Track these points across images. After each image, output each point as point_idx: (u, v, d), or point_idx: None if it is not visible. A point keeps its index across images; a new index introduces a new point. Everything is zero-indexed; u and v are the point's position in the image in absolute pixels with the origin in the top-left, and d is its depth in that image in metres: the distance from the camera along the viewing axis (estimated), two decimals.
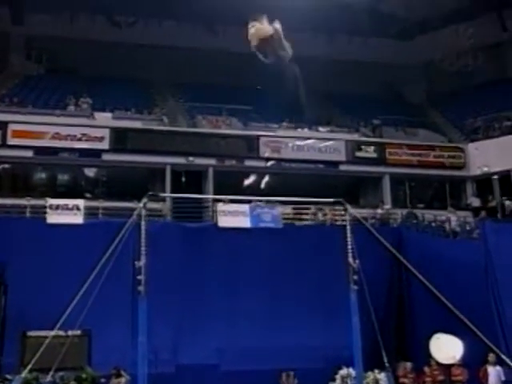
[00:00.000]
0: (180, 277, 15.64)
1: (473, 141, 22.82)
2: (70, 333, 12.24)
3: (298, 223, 18.32)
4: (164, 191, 19.01)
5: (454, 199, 22.78)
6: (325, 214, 18.59)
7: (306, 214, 18.83)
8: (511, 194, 21.04)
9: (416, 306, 16.54)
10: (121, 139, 19.72)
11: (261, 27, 6.17)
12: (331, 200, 12.83)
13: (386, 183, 21.94)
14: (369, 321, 11.68)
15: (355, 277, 11.44)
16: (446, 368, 14.36)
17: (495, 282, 15.17)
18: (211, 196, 19.08)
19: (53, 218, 15.81)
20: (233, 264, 15.99)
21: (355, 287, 11.49)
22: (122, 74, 23.83)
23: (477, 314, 12.66)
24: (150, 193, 12.87)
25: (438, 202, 22.78)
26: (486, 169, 21.88)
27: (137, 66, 24.38)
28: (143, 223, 10.36)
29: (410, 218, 19.49)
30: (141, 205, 10.08)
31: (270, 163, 20.97)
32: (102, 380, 13.95)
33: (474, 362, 13.86)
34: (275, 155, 20.89)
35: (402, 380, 14.92)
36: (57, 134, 19.11)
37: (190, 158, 20.09)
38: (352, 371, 13.91)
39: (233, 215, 17.06)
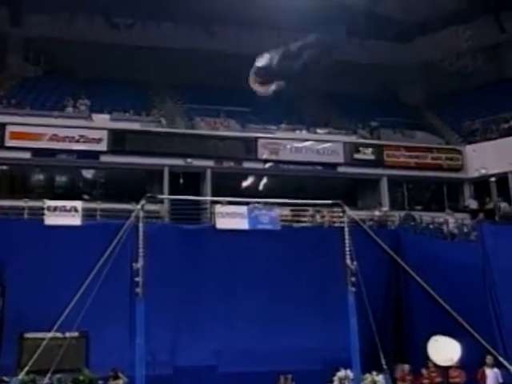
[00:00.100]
0: (178, 278, 15.64)
1: (470, 143, 22.86)
2: (67, 334, 12.24)
3: (296, 225, 18.33)
4: (162, 193, 19.00)
5: (451, 201, 22.82)
6: (323, 216, 18.61)
7: (304, 215, 18.84)
8: (509, 196, 21.09)
9: (414, 307, 16.56)
10: (119, 141, 19.71)
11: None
12: (329, 202, 12.84)
13: (384, 185, 21.97)
14: (367, 323, 11.69)
15: (353, 279, 11.45)
16: (444, 370, 14.37)
17: (493, 284, 15.20)
18: (209, 198, 19.08)
19: (51, 220, 15.80)
20: (231, 266, 15.99)
21: (353, 289, 11.50)
22: (120, 76, 23.83)
23: (474, 316, 12.68)
24: (148, 194, 12.87)
25: (436, 204, 22.83)
26: (483, 171, 21.91)
27: (135, 67, 24.38)
28: (141, 225, 10.36)
29: (407, 220, 19.52)
30: (139, 206, 10.07)
31: (268, 165, 20.98)
32: (100, 382, 13.94)
33: (471, 364, 13.88)
34: (273, 157, 20.90)
35: (399, 382, 14.93)
36: (55, 135, 19.11)
37: (188, 160, 20.09)
38: (350, 373, 13.91)
39: (231, 217, 17.07)
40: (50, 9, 23.61)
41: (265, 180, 21.59)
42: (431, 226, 18.80)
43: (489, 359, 13.61)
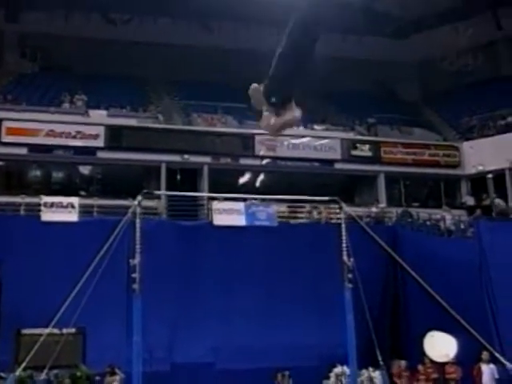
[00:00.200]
0: (175, 275, 15.66)
1: (468, 139, 22.89)
2: (64, 331, 12.26)
3: (292, 221, 18.35)
4: (159, 189, 18.99)
5: (448, 198, 22.87)
6: (320, 213, 18.63)
7: (301, 212, 18.86)
8: (505, 193, 21.13)
9: (410, 304, 16.60)
10: (116, 137, 19.70)
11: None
12: (326, 198, 12.86)
13: (381, 182, 21.99)
14: (363, 319, 11.73)
15: (350, 275, 11.48)
16: (440, 366, 14.43)
17: (489, 281, 15.24)
18: (206, 194, 19.09)
19: (47, 216, 15.80)
20: (228, 262, 16.01)
21: (350, 285, 11.53)
22: (116, 72, 23.79)
23: (471, 312, 12.74)
24: (145, 191, 12.89)
25: (433, 200, 22.86)
26: (480, 167, 21.93)
27: (132, 63, 24.35)
28: (138, 221, 10.36)
29: (404, 216, 19.56)
30: (136, 202, 10.08)
31: (265, 161, 20.98)
32: (97, 378, 13.96)
33: (467, 360, 13.93)
34: (270, 153, 20.90)
35: (396, 378, 14.98)
36: (51, 131, 19.09)
37: (185, 156, 20.09)
38: (346, 369, 13.96)
39: (228, 213, 17.09)
40: (47, 5, 23.55)
41: (262, 176, 21.60)
42: (428, 223, 18.84)
43: (485, 355, 13.66)
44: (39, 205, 16.06)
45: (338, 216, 13.45)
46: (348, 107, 24.79)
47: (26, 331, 13.62)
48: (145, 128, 20.46)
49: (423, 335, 14.35)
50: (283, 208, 18.48)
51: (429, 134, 23.83)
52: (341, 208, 12.45)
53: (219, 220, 16.87)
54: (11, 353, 13.47)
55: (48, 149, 19.03)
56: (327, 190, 14.80)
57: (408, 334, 16.55)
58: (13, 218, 15.92)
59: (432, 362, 14.54)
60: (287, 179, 20.69)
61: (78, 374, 13.70)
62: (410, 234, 17.87)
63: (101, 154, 19.54)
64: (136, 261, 8.50)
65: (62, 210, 16.02)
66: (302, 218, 18.76)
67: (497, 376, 13.86)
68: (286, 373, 15.54)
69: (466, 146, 22.61)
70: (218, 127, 21.51)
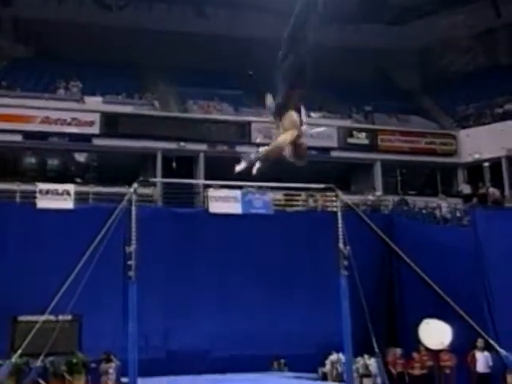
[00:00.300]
0: (171, 262, 15.70)
1: (464, 128, 22.91)
2: (60, 318, 12.29)
3: (289, 209, 18.39)
4: (155, 177, 18.99)
5: (445, 186, 22.93)
6: (316, 200, 18.67)
7: (297, 200, 18.89)
8: (502, 181, 21.19)
9: (406, 292, 16.70)
10: (111, 124, 19.66)
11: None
12: (322, 186, 12.87)
13: (378, 170, 22.02)
14: (359, 307, 11.77)
15: (346, 263, 11.51)
16: (435, 354, 14.54)
17: (485, 269, 15.33)
18: (202, 181, 19.10)
19: (43, 203, 15.79)
20: (224, 250, 16.06)
21: (346, 273, 11.56)
22: (112, 58, 23.68)
23: (466, 300, 12.81)
24: (141, 178, 12.88)
25: (429, 188, 22.93)
26: (477, 156, 22.00)
27: (128, 49, 24.22)
28: (134, 208, 10.34)
29: (401, 204, 19.62)
30: (131, 190, 10.06)
31: (261, 149, 20.95)
32: (93, 365, 14.04)
33: (462, 347, 14.05)
34: (267, 141, 20.82)
35: (391, 366, 15.10)
36: (46, 118, 19.03)
37: (181, 144, 20.07)
38: (342, 357, 14.05)
39: (224, 201, 17.11)
40: None
41: (258, 164, 21.55)
42: (424, 211, 18.90)
43: (480, 343, 13.78)
44: (34, 192, 16.05)
45: (334, 204, 13.48)
46: (345, 95, 24.74)
47: (21, 318, 13.67)
48: (141, 115, 20.42)
49: (418, 323, 14.45)
50: (279, 196, 18.51)
51: (425, 122, 23.84)
52: (337, 196, 12.46)
53: (215, 207, 16.90)
54: (7, 340, 13.53)
55: (43, 136, 18.98)
56: (323, 178, 14.77)
57: (403, 321, 16.67)
58: (8, 206, 15.91)
59: (427, 349, 14.65)
60: (283, 167, 20.64)
61: (74, 360, 13.77)
62: (406, 222, 17.94)
63: (96, 141, 19.51)
64: (132, 248, 8.51)
65: (57, 198, 16.01)
66: (298, 205, 18.79)
67: (491, 363, 14.00)
68: (282, 361, 15.67)
69: (462, 134, 22.64)
70: (215, 114, 21.48)
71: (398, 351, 15.47)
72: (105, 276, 13.41)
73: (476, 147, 21.97)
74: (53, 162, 21.26)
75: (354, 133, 21.98)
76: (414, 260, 12.40)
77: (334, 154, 21.64)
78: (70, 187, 16.46)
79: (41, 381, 13.29)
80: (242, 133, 20.78)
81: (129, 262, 9.10)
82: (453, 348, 14.20)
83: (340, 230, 11.67)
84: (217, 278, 15.90)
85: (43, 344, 11.14)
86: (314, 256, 16.05)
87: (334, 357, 15.22)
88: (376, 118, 23.40)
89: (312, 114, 22.97)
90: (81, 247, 11.25)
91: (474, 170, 22.45)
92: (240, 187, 17.20)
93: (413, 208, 19.26)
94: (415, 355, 14.97)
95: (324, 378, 15.20)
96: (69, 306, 10.75)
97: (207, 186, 17.56)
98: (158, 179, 18.66)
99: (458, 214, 18.19)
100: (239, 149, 20.74)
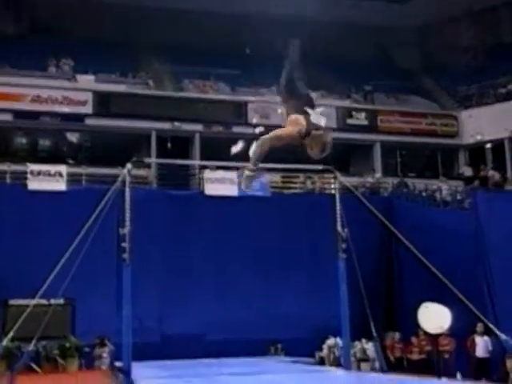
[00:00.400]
0: (166, 245, 15.72)
1: (466, 108, 22.83)
2: (52, 301, 12.32)
3: (286, 191, 18.38)
4: (149, 158, 18.94)
5: (445, 168, 22.92)
6: (314, 182, 18.66)
7: (295, 182, 18.87)
8: (504, 164, 21.17)
9: (405, 275, 16.77)
10: (104, 103, 19.55)
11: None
12: (320, 167, 12.86)
13: (377, 151, 22.00)
14: (357, 290, 11.82)
15: (344, 246, 11.53)
16: (434, 338, 14.62)
17: (485, 252, 15.38)
18: (197, 162, 19.07)
19: (34, 185, 15.75)
20: (220, 232, 16.07)
21: (344, 256, 11.59)
22: (105, 36, 23.44)
23: (466, 283, 12.87)
24: (135, 158, 12.83)
25: (430, 170, 22.92)
26: (479, 137, 21.96)
27: (121, 27, 23.96)
28: (127, 189, 10.31)
29: (400, 186, 19.62)
30: (125, 171, 10.02)
31: (258, 129, 20.89)
32: (86, 349, 14.12)
33: (461, 332, 14.13)
34: (264, 121, 20.81)
35: (389, 350, 15.20)
36: (37, 96, 18.89)
37: (176, 124, 19.99)
38: (339, 341, 14.13)
39: (220, 183, 17.09)
40: None
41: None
42: (424, 194, 18.92)
43: (479, 327, 13.87)
44: (25, 173, 15.98)
45: (333, 186, 13.48)
46: (344, 74, 24.58)
47: (12, 302, 13.70)
48: (134, 94, 20.30)
49: (417, 307, 14.51)
50: (277, 178, 18.48)
51: (426, 103, 23.77)
52: (335, 178, 12.45)
53: (211, 189, 16.88)
54: None
55: (34, 115, 18.86)
56: (322, 160, 14.75)
57: (402, 305, 16.74)
58: None
59: (426, 334, 14.73)
60: (280, 147, 20.60)
61: (67, 345, 13.85)
62: (405, 204, 17.96)
63: (89, 121, 19.42)
64: (126, 230, 8.50)
65: (49, 179, 15.96)
66: (295, 188, 18.78)
67: (490, 348, 14.10)
68: (279, 346, 15.76)
69: (464, 114, 22.58)
70: (210, 94, 21.38)
71: (397, 335, 15.57)
72: (98, 259, 13.43)
73: (478, 128, 21.92)
74: (44, 143, 21.15)
75: (354, 113, 21.91)
76: (413, 243, 12.43)
77: (333, 135, 21.52)
78: (62, 168, 16.41)
79: (33, 365, 13.37)
80: (239, 113, 20.71)
81: (123, 245, 9.10)
82: (452, 332, 14.27)
83: (338, 212, 11.68)
84: (213, 262, 15.92)
85: (35, 328, 11.17)
86: (311, 239, 16.08)
87: (331, 341, 15.30)
88: (376, 98, 23.32)
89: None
90: (73, 230, 11.23)
91: (476, 152, 22.43)
92: (236, 168, 17.17)
93: (413, 190, 19.28)
94: (414, 340, 15.06)
95: (321, 362, 15.30)
96: (61, 289, 10.76)
97: (203, 168, 17.52)
98: (153, 159, 18.62)
99: (458, 197, 18.22)
100: (236, 129, 20.70)
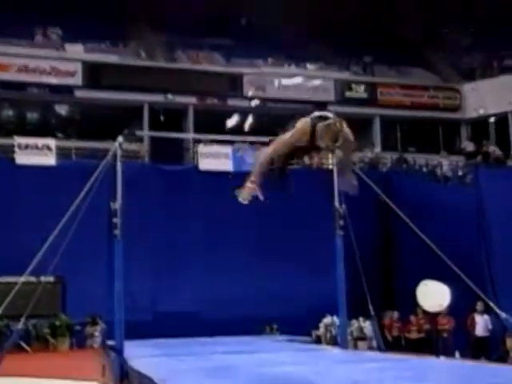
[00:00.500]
0: (158, 222, 15.74)
1: (470, 80, 22.70)
2: (42, 279, 12.35)
3: None
4: (141, 131, 18.89)
5: (447, 143, 22.90)
6: (311, 157, 18.62)
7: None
8: (508, 138, 21.15)
9: (404, 252, 16.85)
10: (94, 74, 19.42)
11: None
12: None
13: (377, 125, 21.97)
14: (355, 268, 11.89)
15: (341, 222, 11.57)
16: (433, 317, 14.76)
17: (486, 230, 15.47)
18: (191, 135, 19.02)
19: (22, 159, 15.71)
20: (214, 209, 16.07)
21: (341, 233, 11.63)
22: (94, 3, 23.15)
23: (466, 261, 12.92)
24: (127, 131, 12.78)
25: (431, 145, 22.90)
26: (482, 111, 21.88)
27: None
28: (119, 164, 10.29)
29: (400, 162, 19.64)
30: (116, 144, 9.98)
31: (254, 103, 20.83)
32: (77, 328, 14.21)
33: (461, 310, 14.26)
34: (260, 94, 20.74)
35: (387, 329, 15.36)
36: (24, 66, 18.73)
37: (169, 96, 19.89)
38: (336, 319, 14.25)
39: (214, 157, 17.06)
40: None
41: (250, 120, 21.47)
42: (424, 169, 18.95)
43: (479, 305, 14.00)
44: (13, 146, 15.92)
45: (331, 161, 13.47)
46: (343, 44, 24.38)
47: (0, 279, 13.73)
48: (126, 65, 20.16)
49: (416, 285, 14.62)
50: None
51: (428, 75, 23.66)
52: (333, 152, 12.42)
53: (205, 164, 16.87)
54: None
55: (21, 86, 18.72)
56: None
57: (401, 283, 16.85)
58: None
59: (425, 312, 14.86)
60: (277, 122, 20.54)
61: (58, 323, 13.92)
62: (405, 180, 17.98)
63: (78, 93, 19.31)
64: (117, 205, 8.49)
65: (37, 153, 15.91)
66: (292, 163, 18.74)
67: (490, 327, 14.26)
68: (274, 326, 15.89)
69: (467, 87, 22.47)
70: (204, 65, 21.24)
71: (395, 314, 15.71)
72: (89, 235, 13.46)
73: (481, 102, 21.84)
74: (32, 115, 21.02)
75: (353, 86, 21.84)
76: (412, 220, 12.47)
77: (331, 108, 21.44)
78: (51, 142, 16.35)
79: (23, 344, 13.46)
80: (234, 85, 20.61)
81: (114, 220, 9.10)
82: (451, 311, 14.41)
83: (336, 188, 11.69)
84: (207, 239, 15.97)
85: (24, 306, 11.21)
86: (308, 215, 16.11)
87: (328, 319, 15.42)
88: (376, 70, 23.21)
89: (308, 66, 22.77)
90: (63, 205, 11.21)
91: (479, 127, 22.39)
92: (231, 143, 17.14)
93: (413, 166, 19.32)
94: (412, 319, 15.20)
95: (318, 341, 15.43)
96: (51, 266, 10.79)
97: (197, 142, 17.48)
98: (145, 132, 18.57)
99: (459, 173, 18.26)
100: (231, 102, 20.62)
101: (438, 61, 25.21)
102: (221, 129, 20.17)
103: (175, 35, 22.72)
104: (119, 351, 10.35)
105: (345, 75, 22.48)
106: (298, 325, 15.28)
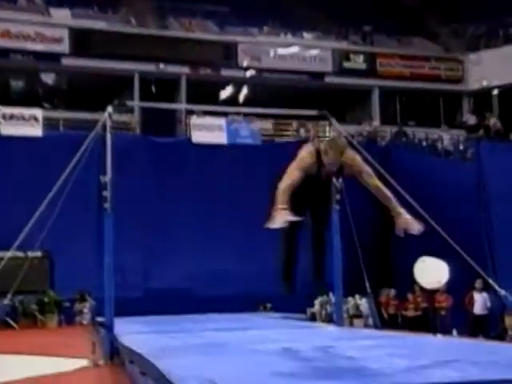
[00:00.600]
0: (150, 196, 15.77)
1: (473, 51, 22.55)
2: (29, 254, 12.39)
3: (278, 139, 18.35)
4: (132, 101, 18.79)
5: (448, 116, 22.89)
6: (308, 130, 18.64)
7: (287, 130, 18.84)
8: (511, 111, 21.07)
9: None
10: (82, 42, 19.25)
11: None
12: (314, 113, 12.80)
13: (376, 97, 21.93)
14: (351, 245, 11.94)
15: (338, 196, 11.57)
16: (430, 295, 14.90)
17: (487, 205, 15.55)
18: (184, 105, 18.95)
19: (8, 130, 15.66)
20: (207, 182, 16.10)
21: (338, 207, 11.64)
22: None
23: (466, 237, 12.99)
24: (116, 101, 12.70)
25: (431, 119, 22.89)
26: (485, 83, 21.79)
27: None
28: (109, 135, 10.25)
29: (399, 135, 19.66)
30: (106, 114, 9.94)
31: (249, 73, 20.73)
32: (66, 304, 14.30)
33: (459, 288, 14.38)
34: (255, 64, 20.63)
35: (383, 307, 15.51)
36: (6, 31, 18.45)
37: (161, 66, 19.76)
38: (331, 297, 14.36)
39: (208, 130, 17.04)
40: None
41: (245, 91, 21.40)
42: (424, 143, 18.98)
43: (478, 283, 14.13)
44: None
45: (328, 134, 13.48)
46: (341, 12, 24.20)
47: None
48: (115, 32, 19.97)
49: (414, 262, 14.73)
50: (268, 125, 18.44)
51: (430, 45, 23.55)
52: (330, 124, 12.44)
53: (198, 137, 16.85)
54: None
55: (4, 52, 18.47)
56: (316, 106, 14.62)
57: (398, 260, 16.97)
58: None
59: (422, 290, 14.99)
60: (272, 93, 20.52)
61: (46, 299, 14.02)
62: (404, 154, 18.02)
63: (66, 61, 19.13)
64: (107, 178, 8.45)
65: (23, 123, 15.87)
66: (288, 135, 18.76)
67: (489, 304, 14.42)
68: (268, 305, 15.99)
69: (470, 58, 22.34)
70: (197, 33, 21.08)
71: (392, 292, 15.85)
72: (78, 209, 13.50)
73: (485, 73, 21.71)
74: (17, 84, 20.87)
75: (351, 56, 21.75)
76: (411, 195, 12.50)
77: (329, 79, 21.45)
78: (38, 112, 16.29)
79: (9, 320, 13.55)
80: (228, 54, 20.49)
81: (104, 193, 9.07)
82: (449, 288, 14.54)
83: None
84: (200, 213, 16.01)
85: (11, 282, 11.26)
86: None
87: (323, 297, 15.56)
88: (375, 39, 23.08)
89: (304, 35, 22.62)
90: (51, 178, 11.17)
91: (481, 99, 22.33)
92: (225, 114, 17.10)
93: (412, 139, 19.33)
94: (410, 296, 15.35)
95: (312, 318, 15.56)
96: (38, 241, 10.80)
97: (190, 113, 17.43)
98: (136, 103, 18.48)
99: (460, 147, 18.29)
100: (225, 72, 20.51)
101: (441, 30, 25.07)
102: (214, 100, 20.11)
103: (167, 1, 22.53)
104: (109, 328, 10.40)
105: (343, 45, 22.37)
106: (293, 302, 15.38)
